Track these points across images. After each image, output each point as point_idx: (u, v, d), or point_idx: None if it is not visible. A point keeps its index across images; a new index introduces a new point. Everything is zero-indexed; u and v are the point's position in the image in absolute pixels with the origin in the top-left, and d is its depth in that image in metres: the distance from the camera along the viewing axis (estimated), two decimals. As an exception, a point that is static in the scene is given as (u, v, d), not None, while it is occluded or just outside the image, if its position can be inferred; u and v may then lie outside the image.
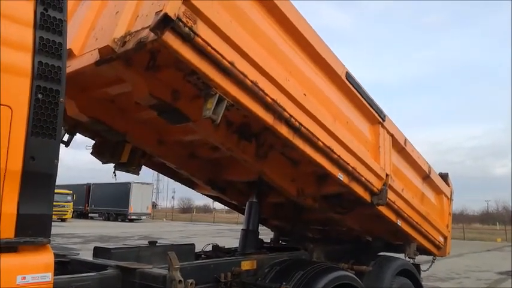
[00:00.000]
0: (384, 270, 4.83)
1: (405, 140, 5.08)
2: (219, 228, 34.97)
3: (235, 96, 2.87)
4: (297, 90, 3.35)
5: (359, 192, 4.27)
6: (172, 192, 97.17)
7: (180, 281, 2.77)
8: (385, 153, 4.56)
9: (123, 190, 39.27)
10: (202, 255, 4.70)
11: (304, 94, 3.44)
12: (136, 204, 39.42)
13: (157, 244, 4.19)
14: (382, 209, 4.66)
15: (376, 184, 4.36)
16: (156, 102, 3.14)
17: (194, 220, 50.26)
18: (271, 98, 3.07)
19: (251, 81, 2.91)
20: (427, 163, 5.59)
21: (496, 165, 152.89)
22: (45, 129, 2.12)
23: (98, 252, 3.80)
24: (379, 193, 4.39)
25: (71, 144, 4.16)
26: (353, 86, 4.11)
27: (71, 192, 37.68)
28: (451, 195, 6.30)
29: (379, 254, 5.43)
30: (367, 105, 4.36)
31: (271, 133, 3.50)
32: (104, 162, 4.33)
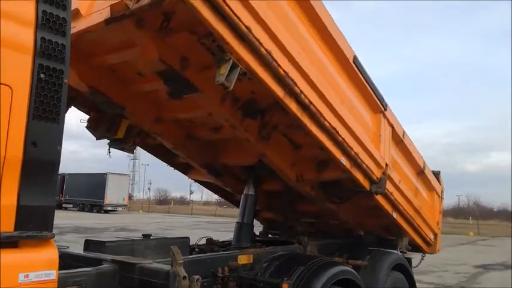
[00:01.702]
0: (379, 265, 4.79)
1: (403, 133, 5.05)
2: (197, 220, 34.72)
3: (249, 64, 2.81)
4: (308, 66, 3.30)
5: (359, 179, 4.22)
6: (148, 184, 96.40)
7: (184, 277, 2.62)
8: (385, 143, 4.54)
9: (99, 181, 38.51)
10: (196, 249, 4.55)
11: (315, 71, 3.39)
12: (113, 195, 38.68)
13: (151, 237, 4.01)
14: (380, 199, 4.62)
15: (376, 172, 4.33)
16: (164, 68, 3.07)
17: (171, 212, 49.73)
18: (283, 70, 3.02)
19: (266, 50, 2.86)
20: (422, 158, 5.58)
21: (468, 162, 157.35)
22: (47, 112, 1.94)
23: (89, 245, 3.60)
24: (378, 182, 4.35)
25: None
26: (359, 71, 4.07)
27: (45, 182, 36.61)
28: (441, 193, 6.32)
29: (370, 248, 5.39)
30: (371, 92, 4.31)
31: (278, 110, 3.46)
32: (98, 138, 4.16)
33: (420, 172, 5.61)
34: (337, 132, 3.70)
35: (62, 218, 27.37)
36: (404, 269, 5.22)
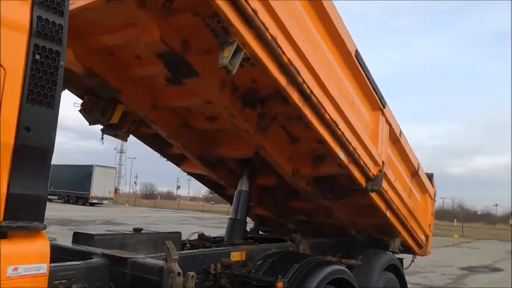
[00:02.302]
0: (373, 265, 4.74)
1: (400, 132, 5.01)
2: (185, 216, 34.51)
3: (253, 49, 2.75)
4: (312, 56, 3.24)
5: (356, 175, 4.18)
6: (134, 178, 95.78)
7: (179, 273, 2.53)
8: (383, 141, 4.50)
9: (85, 173, 38.00)
10: (188, 245, 4.45)
11: (318, 62, 3.33)
12: (98, 187, 38.20)
13: (142, 232, 3.90)
14: (375, 197, 4.57)
15: (373, 169, 4.29)
16: (165, 50, 2.99)
17: (158, 206, 49.37)
18: (287, 58, 2.96)
19: (271, 36, 2.80)
20: (417, 159, 5.56)
21: (452, 165, 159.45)
22: (42, 96, 1.83)
23: (78, 238, 3.47)
24: (374, 179, 4.31)
25: None
26: (361, 66, 4.02)
27: (30, 172, 36.08)
28: (434, 196, 6.31)
29: (363, 248, 5.35)
30: (372, 88, 4.26)
31: (279, 100, 3.41)
32: (91, 123, 4.05)
33: (414, 173, 5.58)
34: (337, 126, 3.65)
35: (47, 210, 26.99)
36: (396, 269, 5.18)
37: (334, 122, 3.60)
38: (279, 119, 3.95)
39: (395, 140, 4.97)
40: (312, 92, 3.27)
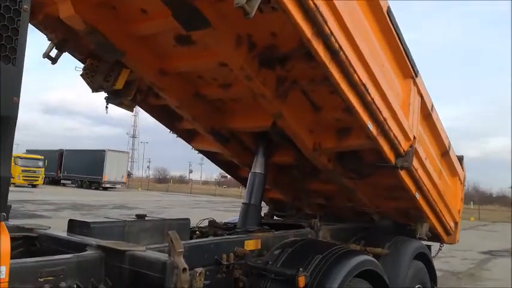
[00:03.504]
0: (401, 254, 4.31)
1: (432, 106, 4.55)
2: (197, 199, 34.43)
3: None
4: (339, 3, 2.82)
5: (385, 150, 3.75)
6: (147, 162, 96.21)
7: (184, 269, 2.12)
8: (414, 114, 4.05)
9: (98, 157, 38.03)
10: (197, 232, 4.07)
11: (346, 11, 2.90)
12: (111, 172, 38.28)
13: (146, 218, 3.51)
14: (404, 176, 4.15)
15: (404, 144, 3.86)
16: None
17: (170, 190, 49.47)
18: (313, 2, 2.55)
19: None
20: (448, 138, 5.07)
21: (467, 147, 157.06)
22: (1, 48, 1.40)
23: (73, 226, 3.08)
24: (404, 155, 3.89)
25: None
26: (392, 25, 3.58)
27: (43, 157, 36.27)
28: (464, 180, 5.83)
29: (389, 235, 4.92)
30: (403, 52, 3.81)
31: (301, 59, 3.06)
32: (94, 89, 3.72)
33: (445, 153, 5.11)
34: (367, 90, 3.21)
35: (59, 194, 27.18)
36: (425, 258, 4.76)
37: (363, 85, 3.17)
38: (300, 82, 3.53)
39: (427, 114, 4.51)
40: (340, 46, 2.84)
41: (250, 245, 3.40)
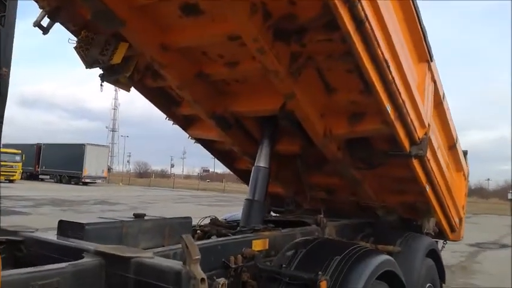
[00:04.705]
0: (414, 251, 4.09)
1: (444, 94, 4.36)
2: (180, 194, 33.91)
3: None
4: None
5: (401, 136, 3.57)
6: (127, 156, 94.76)
7: (202, 280, 1.82)
8: (428, 100, 3.88)
9: (77, 152, 37.19)
10: (199, 231, 3.75)
11: None
12: (91, 167, 37.47)
13: (145, 218, 3.16)
14: (417, 166, 3.95)
15: (419, 131, 3.69)
16: None
17: (152, 185, 48.75)
18: None
19: None
20: (455, 130, 4.88)
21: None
22: None
23: (64, 228, 2.70)
24: (419, 143, 3.71)
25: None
26: (413, 5, 3.42)
27: (20, 152, 35.16)
28: (467, 176, 5.69)
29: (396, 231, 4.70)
30: (421, 34, 3.63)
31: (320, 30, 2.85)
32: (88, 64, 3.40)
33: (452, 146, 4.93)
34: (389, 68, 3.02)
35: (38, 190, 26.36)
36: (435, 255, 4.56)
37: (386, 61, 2.96)
38: (317, 58, 3.25)
39: (439, 102, 4.33)
40: (366, 16, 2.63)
41: (258, 245, 3.16)
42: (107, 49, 3.30)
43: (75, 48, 3.38)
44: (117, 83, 3.74)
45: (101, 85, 3.66)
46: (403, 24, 3.43)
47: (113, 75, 3.59)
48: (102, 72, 3.64)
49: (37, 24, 3.27)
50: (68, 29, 3.47)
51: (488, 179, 65.60)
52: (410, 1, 3.37)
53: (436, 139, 4.33)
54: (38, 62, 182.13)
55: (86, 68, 3.42)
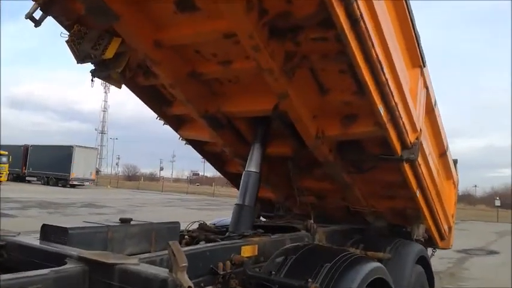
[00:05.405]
0: (404, 258, 4.07)
1: (435, 101, 4.38)
2: (169, 198, 33.72)
3: None
4: None
5: (392, 139, 3.58)
6: (116, 159, 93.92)
7: None
8: (420, 105, 3.90)
9: (65, 153, 36.87)
10: (186, 236, 3.69)
11: None
12: (79, 169, 37.10)
13: (131, 222, 3.09)
14: (408, 170, 3.96)
15: (411, 135, 3.71)
16: None
17: (141, 188, 48.37)
18: None
19: None
20: (446, 138, 4.90)
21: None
22: None
23: (47, 232, 2.61)
24: (411, 147, 3.73)
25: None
26: (408, 10, 3.44)
27: (7, 153, 34.67)
28: (457, 184, 5.72)
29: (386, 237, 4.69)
30: (415, 40, 3.66)
31: (315, 28, 2.85)
32: (79, 58, 3.35)
33: (443, 153, 4.96)
34: (382, 69, 3.03)
35: (25, 192, 25.99)
36: (425, 262, 4.55)
37: (379, 62, 2.97)
38: (311, 58, 3.24)
39: (430, 109, 4.36)
40: (361, 15, 2.64)
41: (247, 251, 3.13)
42: (100, 44, 3.26)
43: (67, 42, 3.33)
44: (108, 79, 3.70)
45: (92, 80, 3.62)
46: (397, 28, 3.45)
47: (105, 70, 3.54)
48: (93, 67, 3.59)
49: (29, 16, 3.22)
50: (60, 23, 3.41)
51: (476, 186, 66.28)
52: (405, 5, 3.39)
53: (428, 145, 4.34)
54: (28, 63, 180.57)
55: (77, 62, 3.37)
